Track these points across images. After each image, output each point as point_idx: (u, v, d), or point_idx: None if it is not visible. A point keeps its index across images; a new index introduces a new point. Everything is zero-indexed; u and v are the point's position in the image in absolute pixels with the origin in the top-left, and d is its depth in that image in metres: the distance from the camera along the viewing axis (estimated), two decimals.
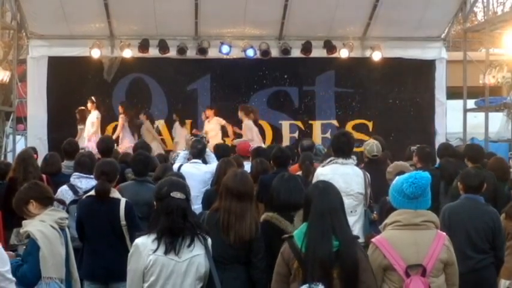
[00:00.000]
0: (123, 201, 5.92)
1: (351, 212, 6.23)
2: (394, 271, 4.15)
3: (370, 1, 13.56)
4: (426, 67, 14.65)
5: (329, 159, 6.65)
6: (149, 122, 13.96)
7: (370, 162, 8.14)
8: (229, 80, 14.58)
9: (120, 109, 13.75)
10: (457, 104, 15.11)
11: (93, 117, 13.32)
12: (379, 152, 8.30)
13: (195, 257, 3.95)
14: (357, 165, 6.87)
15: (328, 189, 4.10)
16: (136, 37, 13.92)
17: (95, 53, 13.65)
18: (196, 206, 6.77)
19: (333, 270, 3.85)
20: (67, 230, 5.11)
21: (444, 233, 4.32)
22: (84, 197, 6.18)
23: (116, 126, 13.88)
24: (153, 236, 3.92)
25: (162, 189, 4.03)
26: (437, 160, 8.87)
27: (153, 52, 13.88)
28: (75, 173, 6.88)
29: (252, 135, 12.83)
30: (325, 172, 6.42)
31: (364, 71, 14.55)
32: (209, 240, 4.05)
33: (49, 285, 4.66)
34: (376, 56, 14.18)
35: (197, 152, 8.62)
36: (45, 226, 4.76)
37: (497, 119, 16.12)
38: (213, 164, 8.10)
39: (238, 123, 14.49)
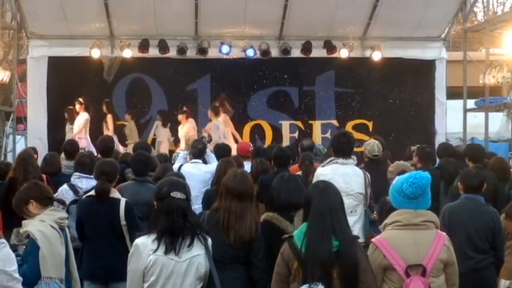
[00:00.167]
0: (123, 201, 5.92)
1: (351, 212, 6.23)
2: (394, 271, 4.15)
3: (370, 1, 13.57)
4: (426, 67, 14.65)
5: (329, 159, 6.65)
6: (134, 122, 13.91)
7: (370, 162, 8.14)
8: (229, 80, 14.58)
9: (105, 108, 13.70)
10: (457, 104, 15.12)
11: (82, 119, 13.18)
12: (379, 152, 8.30)
13: (195, 257, 3.95)
14: (357, 165, 6.87)
15: (328, 189, 4.10)
16: (136, 37, 13.93)
17: (95, 53, 13.66)
18: (197, 206, 6.77)
19: (333, 270, 3.85)
20: (67, 230, 5.11)
21: (444, 233, 4.32)
22: (84, 197, 6.18)
23: (116, 126, 13.90)
24: (153, 236, 3.92)
25: (162, 189, 4.03)
26: (437, 160, 8.87)
27: (153, 52, 13.88)
28: (75, 173, 6.88)
29: (218, 135, 12.62)
30: (325, 172, 6.42)
31: (364, 71, 14.56)
32: (209, 240, 4.05)
33: (49, 285, 4.66)
34: (376, 56, 14.19)
35: (197, 152, 8.62)
36: (45, 226, 4.76)
37: (497, 119, 16.13)
38: (213, 164, 8.10)
39: (238, 123, 14.52)
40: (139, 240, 3.96)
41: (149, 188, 6.42)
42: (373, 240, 4.32)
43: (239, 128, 14.48)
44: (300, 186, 5.30)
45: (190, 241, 3.94)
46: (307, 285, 3.81)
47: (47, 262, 4.65)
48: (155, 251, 3.89)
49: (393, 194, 4.35)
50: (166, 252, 3.88)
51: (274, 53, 14.21)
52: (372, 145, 8.29)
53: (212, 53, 14.09)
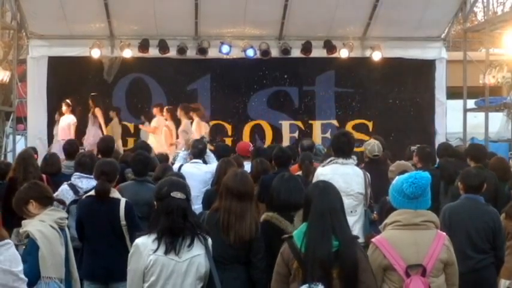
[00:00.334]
0: (123, 201, 5.92)
1: (351, 212, 6.23)
2: (394, 271, 4.15)
3: (370, 1, 13.57)
4: (426, 67, 14.65)
5: (329, 159, 6.65)
6: (118, 119, 13.87)
7: (370, 162, 8.14)
8: (229, 80, 14.58)
9: (91, 103, 13.49)
10: (457, 104, 15.12)
11: (67, 120, 13.13)
12: (380, 152, 8.30)
13: (195, 257, 3.95)
14: (357, 165, 6.87)
15: (328, 189, 4.10)
16: (136, 37, 13.93)
17: (95, 53, 13.65)
18: (197, 206, 6.78)
19: (333, 270, 3.85)
20: (67, 229, 5.11)
21: (444, 233, 4.32)
22: (84, 197, 6.18)
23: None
24: (153, 236, 3.92)
25: (162, 189, 4.03)
26: (437, 160, 8.87)
27: (153, 52, 13.88)
28: (75, 173, 6.88)
29: (185, 137, 12.41)
30: (325, 172, 6.42)
31: (364, 71, 14.55)
32: (209, 240, 4.05)
33: (48, 285, 4.66)
34: (376, 56, 14.19)
35: (198, 151, 8.63)
36: (44, 226, 4.76)
37: (497, 119, 16.13)
38: (214, 164, 8.11)
39: (238, 123, 14.53)
40: (140, 240, 3.96)
41: (149, 188, 6.42)
42: (373, 240, 4.32)
43: (239, 128, 14.50)
44: (300, 186, 5.30)
45: (190, 241, 3.94)
46: (307, 285, 3.81)
47: (46, 262, 4.65)
48: (155, 251, 3.89)
49: (393, 194, 4.36)
50: (166, 252, 3.88)
51: (274, 53, 14.21)
52: (373, 145, 8.29)
53: (212, 53, 14.09)
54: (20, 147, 13.30)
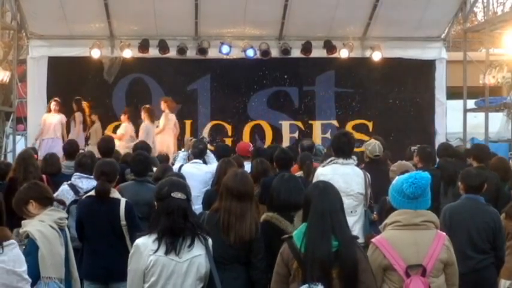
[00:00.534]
0: (123, 201, 5.92)
1: (351, 212, 6.23)
2: (394, 271, 4.15)
3: (370, 1, 13.58)
4: (426, 67, 14.66)
5: (329, 159, 6.65)
6: (100, 123, 13.81)
7: (370, 162, 8.14)
8: (229, 80, 14.59)
9: (74, 106, 13.53)
10: (457, 104, 15.12)
11: (57, 118, 13.09)
12: (380, 152, 8.30)
13: (196, 257, 3.95)
14: (357, 165, 6.87)
15: (327, 190, 4.10)
16: (136, 37, 13.94)
17: (95, 53, 13.66)
18: (197, 206, 6.77)
19: (332, 271, 3.85)
20: (67, 229, 5.11)
21: (444, 233, 4.32)
22: (84, 197, 6.19)
23: (116, 126, 13.89)
24: (153, 237, 3.92)
25: (162, 190, 4.03)
26: (437, 160, 8.87)
27: (153, 52, 13.90)
28: (76, 173, 6.88)
29: (146, 138, 12.25)
30: (325, 172, 6.42)
31: (364, 71, 14.56)
32: (210, 241, 4.05)
33: (48, 285, 4.65)
34: (376, 56, 14.20)
35: (198, 152, 8.64)
36: (44, 226, 4.76)
37: (497, 119, 16.13)
38: (214, 164, 8.11)
39: (238, 123, 14.53)
40: (140, 241, 3.96)
41: (149, 188, 6.42)
42: (373, 240, 4.32)
43: (239, 128, 14.50)
44: (299, 186, 5.31)
45: (190, 241, 3.94)
46: (306, 285, 3.81)
47: (46, 262, 4.65)
48: (156, 251, 3.89)
49: (393, 194, 4.36)
50: (166, 253, 3.88)
51: (274, 53, 14.22)
52: (373, 145, 8.29)
53: (212, 53, 14.10)
54: (20, 147, 13.30)
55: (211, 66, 14.52)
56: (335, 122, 14.69)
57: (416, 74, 14.67)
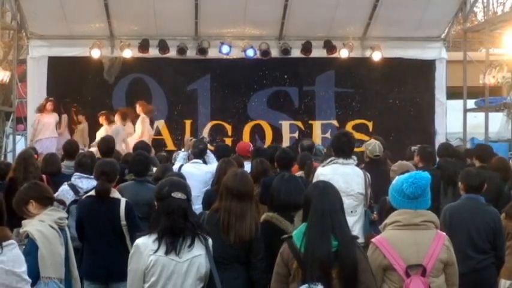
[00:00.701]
0: (123, 201, 5.93)
1: (351, 212, 6.23)
2: (394, 271, 4.15)
3: (370, 1, 13.57)
4: (426, 67, 14.66)
5: (329, 159, 6.66)
6: (87, 124, 13.75)
7: (370, 162, 8.14)
8: (229, 80, 14.59)
9: (62, 109, 13.46)
10: (457, 104, 15.12)
11: (53, 118, 13.05)
12: (381, 152, 8.30)
13: (196, 257, 3.95)
14: (357, 165, 6.87)
15: (327, 189, 4.10)
16: (136, 37, 13.94)
17: (95, 53, 13.66)
18: (197, 206, 6.78)
19: (332, 270, 3.85)
20: (67, 229, 5.11)
21: (444, 233, 4.33)
22: (84, 197, 6.19)
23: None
24: (153, 236, 3.92)
25: (163, 190, 4.03)
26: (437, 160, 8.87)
27: (153, 52, 13.90)
28: (76, 173, 6.88)
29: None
30: (325, 172, 6.42)
31: (364, 71, 14.56)
32: (210, 241, 4.05)
33: (48, 285, 4.65)
34: (376, 56, 14.19)
35: (198, 152, 8.64)
36: (44, 226, 4.76)
37: (497, 119, 16.12)
38: (214, 164, 8.11)
39: (238, 123, 14.53)
40: (140, 241, 3.96)
41: (149, 188, 6.42)
42: (373, 240, 4.32)
43: (239, 128, 14.51)
44: (300, 186, 5.31)
45: (191, 241, 3.94)
46: (306, 285, 3.81)
47: (45, 262, 4.65)
48: (156, 251, 3.89)
49: (393, 194, 4.36)
50: (167, 253, 3.88)
51: (274, 53, 14.22)
52: (373, 145, 8.29)
53: (212, 53, 14.10)
54: (20, 147, 13.29)
55: (211, 66, 14.52)
56: (335, 122, 14.68)
57: (416, 74, 14.66)
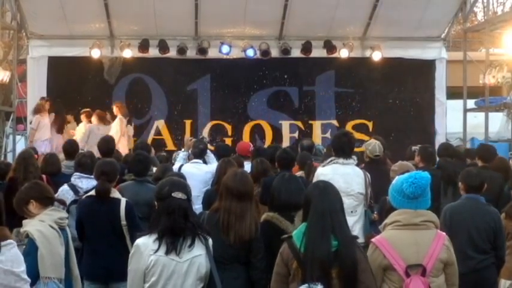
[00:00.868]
0: (123, 201, 5.93)
1: (351, 212, 6.23)
2: (394, 271, 4.15)
3: (370, 1, 13.57)
4: (426, 67, 14.65)
5: (330, 159, 6.66)
6: (75, 124, 13.73)
7: (370, 162, 8.14)
8: (229, 80, 14.58)
9: (47, 105, 13.23)
10: (457, 104, 15.11)
11: (47, 120, 12.97)
12: (381, 152, 8.30)
13: (196, 257, 3.96)
14: (357, 165, 6.88)
15: (328, 189, 4.10)
16: (136, 37, 13.93)
17: (95, 53, 13.66)
18: (197, 206, 6.78)
19: (332, 270, 3.85)
20: (68, 229, 5.11)
21: (444, 233, 4.33)
22: (84, 197, 6.19)
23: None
24: (154, 236, 3.92)
25: (163, 189, 4.03)
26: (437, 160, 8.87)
27: (153, 52, 13.89)
28: (75, 173, 6.88)
29: (86, 139, 12.31)
30: (325, 172, 6.42)
31: (364, 71, 14.55)
32: (210, 241, 4.05)
33: (47, 285, 4.65)
34: (376, 56, 14.19)
35: (199, 152, 8.64)
36: (44, 226, 4.76)
37: (497, 119, 16.11)
38: (214, 164, 8.11)
39: (238, 123, 14.52)
40: (140, 241, 3.96)
41: (149, 188, 6.42)
42: (373, 240, 4.33)
43: (239, 128, 14.51)
44: (300, 186, 5.31)
45: (191, 241, 3.95)
46: (306, 285, 3.82)
47: (45, 262, 4.65)
48: (156, 251, 3.89)
49: (393, 194, 4.36)
50: (167, 253, 3.89)
51: (274, 53, 14.21)
52: (374, 145, 8.29)
53: (212, 53, 14.09)
54: (20, 147, 13.29)
55: (211, 66, 14.51)
56: (335, 122, 14.68)
57: (416, 74, 14.66)
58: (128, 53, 13.83)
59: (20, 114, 14.54)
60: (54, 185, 6.74)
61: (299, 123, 14.75)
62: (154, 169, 7.73)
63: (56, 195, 5.76)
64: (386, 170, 7.51)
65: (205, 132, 14.19)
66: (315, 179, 6.18)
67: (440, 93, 14.63)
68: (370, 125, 14.57)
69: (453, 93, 15.57)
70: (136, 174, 6.96)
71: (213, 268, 4.01)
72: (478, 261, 5.70)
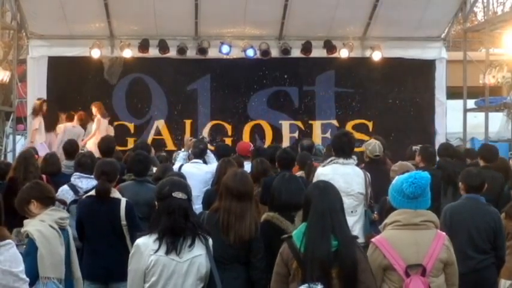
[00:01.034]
0: (123, 201, 5.93)
1: (352, 212, 6.24)
2: (394, 271, 4.16)
3: (370, 1, 13.57)
4: (426, 67, 14.65)
5: (330, 159, 6.66)
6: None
7: (370, 162, 8.14)
8: (229, 80, 14.57)
9: (44, 106, 13.24)
10: (457, 104, 15.11)
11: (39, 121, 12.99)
12: (381, 152, 8.30)
13: (196, 257, 3.96)
14: (357, 165, 6.88)
15: (328, 189, 4.11)
16: (136, 37, 13.92)
17: (95, 53, 13.65)
18: (197, 206, 6.78)
19: (332, 270, 3.86)
20: (69, 229, 5.11)
21: (444, 233, 4.33)
22: (84, 196, 6.19)
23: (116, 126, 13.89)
24: (154, 236, 3.92)
25: (163, 189, 4.03)
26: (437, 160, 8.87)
27: (153, 52, 13.88)
28: (75, 173, 6.89)
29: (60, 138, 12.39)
30: (325, 172, 6.42)
31: (364, 71, 14.54)
32: (210, 241, 4.06)
33: (46, 285, 4.65)
34: (376, 56, 14.18)
35: (199, 151, 8.65)
36: (44, 226, 4.76)
37: (497, 119, 16.10)
38: (214, 164, 8.12)
39: (238, 123, 14.53)
40: (141, 241, 3.96)
41: (149, 188, 6.43)
42: (373, 240, 4.33)
43: (239, 128, 14.51)
44: (300, 186, 5.31)
45: (191, 241, 3.95)
46: (306, 285, 3.82)
47: (45, 262, 4.65)
48: (156, 251, 3.89)
49: (393, 194, 4.36)
50: (167, 253, 3.89)
51: (274, 53, 14.20)
52: (374, 145, 8.29)
53: (212, 53, 14.08)
54: (20, 147, 13.28)
55: (211, 66, 14.50)
56: (335, 122, 14.67)
57: (416, 74, 14.65)
58: (128, 53, 13.82)
59: (20, 114, 14.53)
60: (54, 185, 6.71)
61: (299, 123, 14.74)
62: (155, 169, 7.73)
63: (55, 195, 5.77)
64: (386, 170, 7.52)
65: (205, 132, 14.18)
66: (315, 179, 6.19)
67: (440, 93, 14.62)
68: (370, 125, 14.56)
69: (453, 93, 15.57)
70: (136, 174, 6.96)
71: (213, 268, 4.01)
72: (478, 261, 5.70)
